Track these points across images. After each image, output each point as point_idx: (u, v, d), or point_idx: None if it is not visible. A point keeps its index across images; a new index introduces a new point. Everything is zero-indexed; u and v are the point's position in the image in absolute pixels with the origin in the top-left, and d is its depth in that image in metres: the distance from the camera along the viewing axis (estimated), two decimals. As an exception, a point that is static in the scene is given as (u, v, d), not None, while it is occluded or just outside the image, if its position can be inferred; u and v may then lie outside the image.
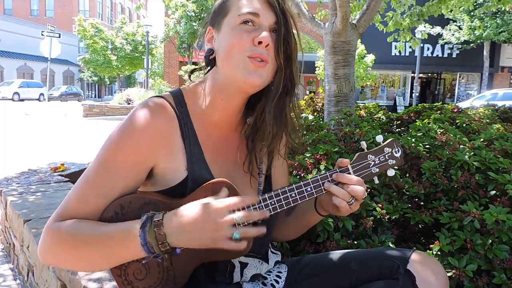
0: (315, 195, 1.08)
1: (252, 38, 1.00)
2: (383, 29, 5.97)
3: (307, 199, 1.07)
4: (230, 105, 1.10)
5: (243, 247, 0.94)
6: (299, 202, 1.06)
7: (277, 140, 1.11)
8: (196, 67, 1.22)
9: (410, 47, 6.73)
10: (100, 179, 0.98)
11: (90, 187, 0.99)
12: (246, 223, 0.95)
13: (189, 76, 1.20)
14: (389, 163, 1.12)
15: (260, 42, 0.99)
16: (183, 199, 1.01)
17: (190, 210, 0.93)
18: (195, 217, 0.91)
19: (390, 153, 1.13)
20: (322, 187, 1.08)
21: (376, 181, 1.15)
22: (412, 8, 5.47)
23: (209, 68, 1.10)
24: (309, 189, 1.06)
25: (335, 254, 1.22)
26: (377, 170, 1.12)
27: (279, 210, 1.04)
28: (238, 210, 0.94)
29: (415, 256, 1.09)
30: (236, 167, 1.14)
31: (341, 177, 1.07)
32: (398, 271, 1.06)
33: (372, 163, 1.12)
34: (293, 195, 1.05)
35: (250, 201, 0.98)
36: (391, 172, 1.13)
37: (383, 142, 1.14)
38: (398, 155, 1.14)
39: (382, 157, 1.12)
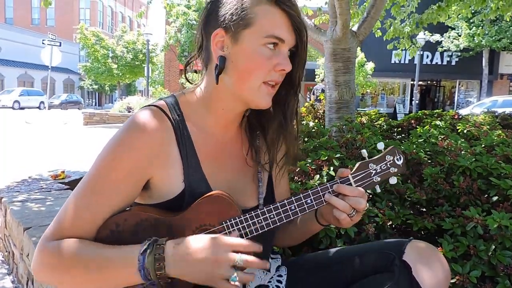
0: (316, 207, 1.05)
1: (273, 64, 0.98)
2: (382, 37, 6.00)
3: (307, 211, 1.04)
4: (231, 114, 1.08)
5: None
6: (299, 215, 1.03)
7: (288, 156, 1.14)
8: (186, 64, 1.15)
9: (410, 54, 6.76)
10: (95, 196, 0.95)
11: (85, 204, 0.95)
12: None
13: (185, 73, 1.15)
14: (391, 171, 1.09)
15: (282, 70, 0.99)
16: (179, 215, 0.98)
17: (194, 241, 0.90)
18: (198, 249, 0.89)
19: (392, 161, 1.10)
20: (323, 199, 1.05)
21: (378, 190, 1.13)
22: (411, 16, 5.50)
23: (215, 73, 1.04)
24: (309, 201, 1.04)
25: (332, 251, 1.22)
26: (379, 179, 1.09)
27: (278, 224, 1.02)
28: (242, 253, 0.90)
29: (411, 245, 1.06)
30: (236, 171, 1.12)
31: (342, 188, 1.04)
32: (393, 263, 1.04)
33: (374, 171, 1.08)
34: (293, 207, 1.03)
35: (256, 248, 0.93)
36: (393, 180, 1.10)
37: (384, 150, 1.11)
38: (400, 162, 1.10)
39: (384, 165, 1.09)
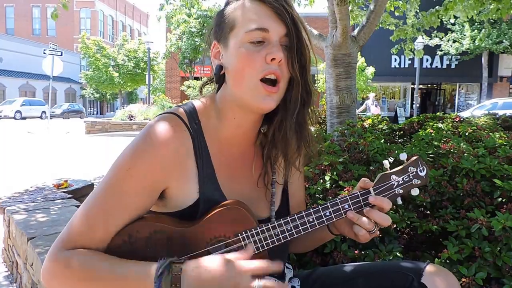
0: (334, 220, 1.02)
1: (263, 56, 0.94)
2: (382, 42, 6.02)
3: (326, 223, 1.02)
4: (244, 122, 1.05)
5: None
6: (317, 227, 1.01)
7: (299, 153, 1.07)
8: (207, 80, 1.17)
9: (410, 59, 6.77)
10: (110, 204, 0.93)
11: (100, 212, 0.93)
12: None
13: (201, 91, 1.15)
14: (414, 183, 1.05)
15: (273, 59, 0.93)
16: (193, 225, 0.97)
17: (212, 264, 0.88)
18: (216, 273, 0.87)
19: (414, 173, 1.05)
20: (342, 212, 1.02)
21: (399, 202, 1.07)
22: (417, 15, 5.52)
23: (218, 84, 1.04)
24: (327, 213, 1.01)
25: (347, 267, 1.20)
26: (401, 191, 1.05)
27: (295, 236, 1.00)
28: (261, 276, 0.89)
29: (429, 268, 1.06)
30: (251, 182, 1.10)
31: (379, 200, 1.01)
32: (412, 284, 1.04)
33: (396, 183, 1.04)
34: (311, 219, 1.00)
35: (275, 268, 0.92)
36: (415, 192, 1.06)
37: (407, 160, 1.07)
38: (423, 174, 1.06)
39: (407, 177, 1.05)
